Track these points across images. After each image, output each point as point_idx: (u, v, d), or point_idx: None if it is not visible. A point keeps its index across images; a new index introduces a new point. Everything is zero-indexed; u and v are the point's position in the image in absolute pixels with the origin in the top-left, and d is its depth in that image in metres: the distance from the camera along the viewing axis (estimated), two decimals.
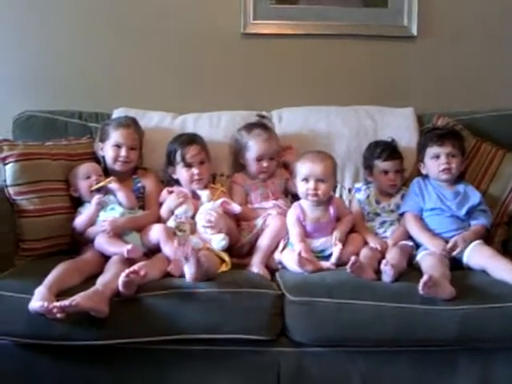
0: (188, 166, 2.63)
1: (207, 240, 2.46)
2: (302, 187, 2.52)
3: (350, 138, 2.85)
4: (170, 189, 2.63)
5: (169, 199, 2.58)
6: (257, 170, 2.72)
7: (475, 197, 2.60)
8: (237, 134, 2.77)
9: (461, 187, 2.63)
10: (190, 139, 2.69)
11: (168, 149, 2.69)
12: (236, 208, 2.58)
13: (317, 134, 2.85)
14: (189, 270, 2.15)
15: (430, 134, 2.70)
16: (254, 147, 2.70)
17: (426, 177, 2.69)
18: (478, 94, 3.17)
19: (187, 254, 2.14)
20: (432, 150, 2.63)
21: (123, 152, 2.64)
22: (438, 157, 2.61)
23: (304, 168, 2.51)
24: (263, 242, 2.52)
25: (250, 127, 2.75)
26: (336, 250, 2.42)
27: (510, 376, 2.20)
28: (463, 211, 2.56)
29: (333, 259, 2.41)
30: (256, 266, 2.44)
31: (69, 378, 2.17)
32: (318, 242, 2.50)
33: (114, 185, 2.56)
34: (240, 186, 2.74)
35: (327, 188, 2.52)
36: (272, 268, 2.48)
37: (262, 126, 2.76)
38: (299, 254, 2.34)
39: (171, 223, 2.50)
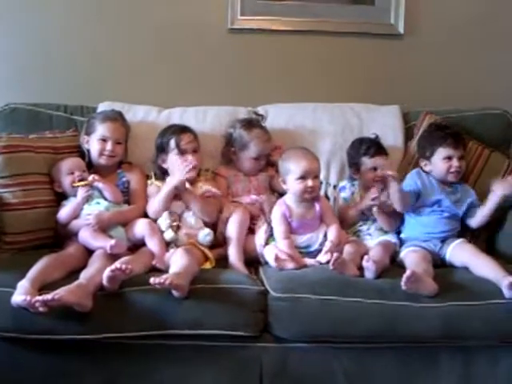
0: (182, 152, 2.63)
1: (193, 235, 2.47)
2: (297, 185, 2.49)
3: (336, 135, 2.85)
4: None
5: (178, 168, 2.56)
6: (250, 168, 2.74)
7: (471, 194, 2.63)
8: (233, 132, 2.76)
9: (459, 186, 2.65)
10: (184, 128, 2.71)
11: (159, 139, 2.70)
12: (217, 192, 2.60)
13: (303, 131, 2.86)
14: (174, 293, 2.12)
15: (441, 133, 2.67)
16: (254, 148, 2.71)
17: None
18: (463, 92, 3.18)
19: (165, 287, 2.09)
20: (445, 151, 2.61)
21: (109, 146, 2.62)
22: (450, 158, 2.61)
23: (300, 166, 2.49)
24: (232, 234, 2.51)
25: (248, 126, 2.75)
26: (323, 260, 2.40)
27: (491, 373, 2.22)
28: (463, 208, 2.59)
29: (320, 259, 2.41)
30: (235, 264, 2.45)
31: (53, 372, 2.16)
32: (303, 239, 2.51)
33: (97, 184, 2.53)
34: (223, 179, 2.75)
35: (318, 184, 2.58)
36: (252, 258, 2.50)
37: (259, 125, 2.78)
38: (276, 255, 2.38)
39: (163, 222, 2.47)
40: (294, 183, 2.51)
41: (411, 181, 2.64)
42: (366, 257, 2.29)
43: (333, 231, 2.51)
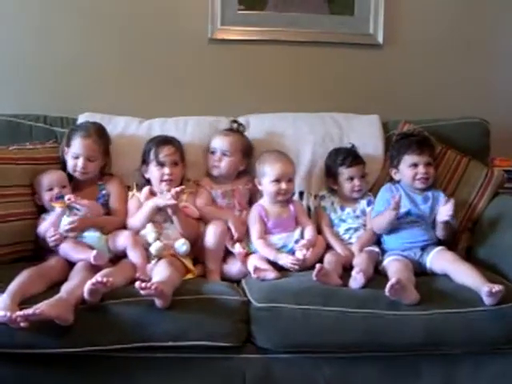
0: (160, 165, 2.63)
1: (170, 246, 2.46)
2: (272, 187, 2.61)
3: (317, 145, 2.86)
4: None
5: (157, 198, 2.55)
6: (209, 166, 2.74)
7: (441, 197, 2.62)
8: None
9: (429, 193, 2.65)
10: (166, 139, 2.71)
11: (144, 148, 2.70)
12: (195, 213, 2.60)
13: (283, 140, 2.85)
14: (157, 302, 2.12)
15: (406, 141, 2.70)
16: (212, 143, 2.74)
17: (396, 182, 2.71)
18: (442, 101, 3.22)
19: (150, 293, 2.09)
20: (410, 159, 2.64)
21: (80, 163, 2.60)
22: (415, 165, 2.63)
23: (275, 169, 2.60)
24: (208, 245, 2.51)
25: (221, 131, 2.79)
26: (300, 256, 2.43)
27: (473, 381, 2.24)
28: (434, 216, 2.59)
29: (297, 256, 2.44)
30: (212, 277, 2.47)
31: None
32: (279, 238, 2.56)
33: (74, 204, 2.47)
34: (206, 191, 2.72)
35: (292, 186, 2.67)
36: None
37: (236, 131, 2.80)
38: (255, 266, 2.40)
39: (149, 235, 2.46)
40: (268, 185, 2.62)
41: (385, 201, 2.63)
42: (357, 268, 2.31)
43: (309, 231, 2.59)
